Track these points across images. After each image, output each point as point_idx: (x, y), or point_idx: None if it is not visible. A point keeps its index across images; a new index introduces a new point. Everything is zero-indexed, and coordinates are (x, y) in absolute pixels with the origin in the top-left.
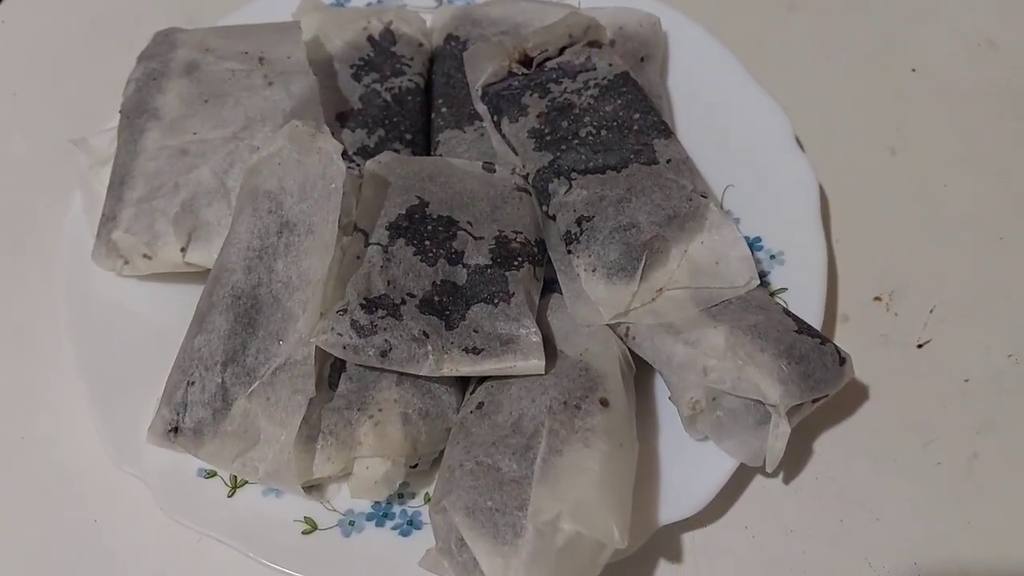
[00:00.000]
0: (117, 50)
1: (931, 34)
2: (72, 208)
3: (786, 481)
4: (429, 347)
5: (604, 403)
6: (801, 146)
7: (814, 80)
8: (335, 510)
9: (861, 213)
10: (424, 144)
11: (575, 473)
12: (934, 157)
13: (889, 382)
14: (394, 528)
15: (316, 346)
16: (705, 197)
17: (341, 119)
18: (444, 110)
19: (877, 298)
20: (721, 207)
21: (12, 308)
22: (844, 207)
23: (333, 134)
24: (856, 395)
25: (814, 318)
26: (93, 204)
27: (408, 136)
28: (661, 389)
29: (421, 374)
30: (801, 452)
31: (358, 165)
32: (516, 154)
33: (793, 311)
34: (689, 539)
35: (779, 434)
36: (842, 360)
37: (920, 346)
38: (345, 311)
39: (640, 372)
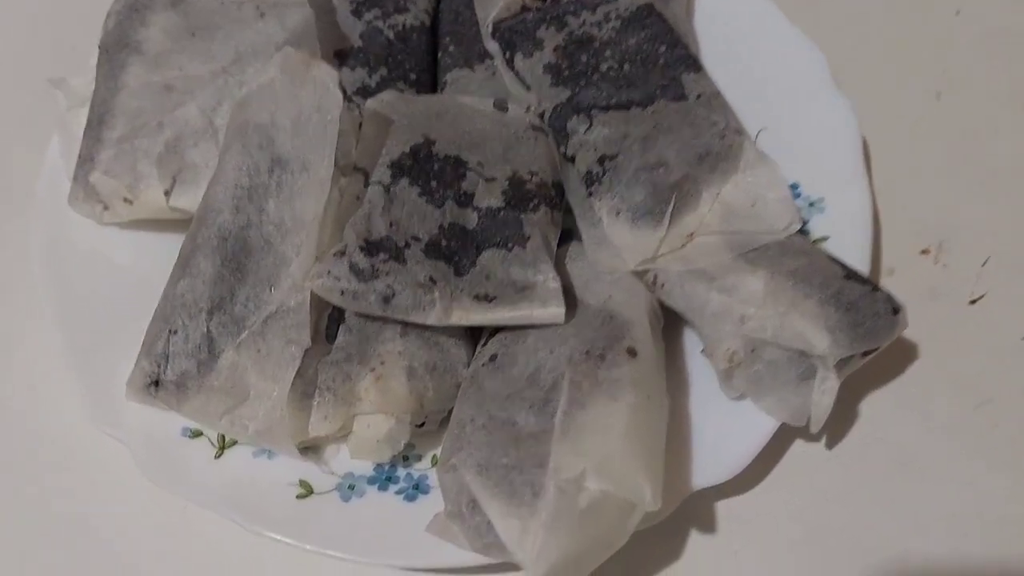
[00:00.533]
0: None
1: None
2: (49, 152)
3: (829, 444)
4: (436, 294)
5: (632, 352)
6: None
7: (851, 20)
8: (333, 473)
9: (905, 160)
10: (430, 84)
11: (601, 427)
12: (982, 100)
13: (939, 339)
14: (398, 492)
15: (311, 292)
16: (740, 134)
17: (340, 57)
18: (451, 48)
19: (924, 251)
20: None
21: None
22: (886, 154)
23: None
24: (904, 353)
25: (859, 267)
26: (71, 148)
27: (413, 76)
28: (691, 345)
29: (427, 323)
30: (845, 413)
31: (359, 106)
32: (530, 91)
33: None
34: (723, 506)
35: (826, 389)
36: (895, 309)
37: (973, 302)
38: (343, 253)
39: (667, 326)
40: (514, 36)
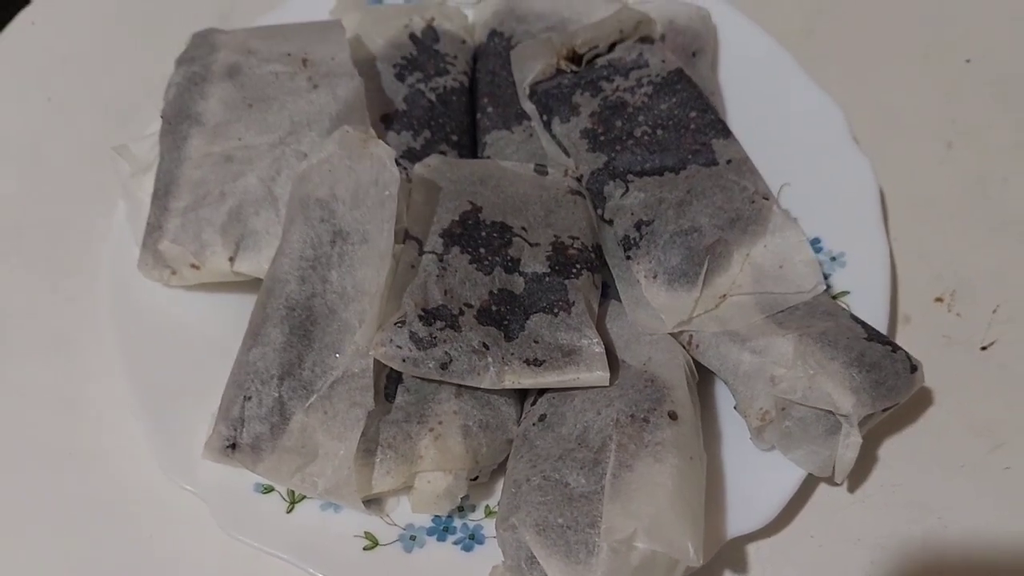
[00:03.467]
0: (150, 49)
1: (985, 23)
2: (115, 216)
3: (851, 489)
4: (489, 359)
5: (673, 416)
6: (856, 142)
7: (865, 73)
8: (395, 524)
9: (918, 209)
10: (471, 145)
11: (648, 489)
12: (992, 150)
13: (954, 385)
14: (456, 543)
15: (374, 358)
16: (767, 199)
17: (386, 121)
18: (490, 110)
19: (938, 299)
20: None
21: (56, 320)
22: (900, 203)
23: (379, 137)
24: (920, 399)
25: (879, 322)
26: (136, 212)
27: (454, 137)
28: (721, 396)
29: (482, 387)
30: (866, 459)
31: (406, 169)
32: (568, 155)
33: (856, 315)
34: (754, 549)
35: (850, 444)
36: (913, 368)
37: (984, 348)
38: (403, 322)
39: (701, 381)
40: (551, 100)
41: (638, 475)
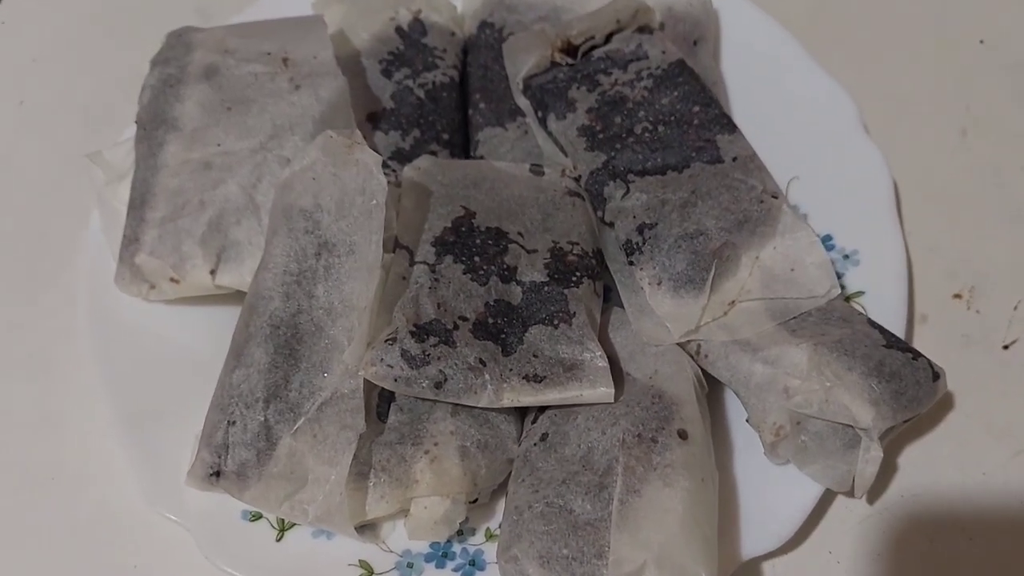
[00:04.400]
0: (125, 48)
1: (999, 1)
2: (90, 227)
3: (870, 501)
4: (487, 376)
5: (682, 435)
6: (867, 131)
7: (874, 58)
8: (391, 551)
9: (933, 202)
10: (462, 144)
11: (657, 515)
12: (1009, 137)
13: (974, 387)
14: (455, 570)
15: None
16: (776, 198)
17: (372, 120)
18: (482, 106)
19: (957, 295)
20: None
21: (33, 336)
22: (914, 195)
23: (365, 138)
24: (940, 403)
25: (895, 323)
26: (111, 222)
27: (445, 136)
28: (732, 405)
29: (479, 406)
30: (884, 468)
31: (394, 171)
32: (565, 154)
33: (872, 317)
34: (770, 567)
35: (870, 459)
36: (936, 375)
37: (1006, 347)
38: (394, 340)
39: (711, 392)
40: (546, 96)
41: (646, 500)
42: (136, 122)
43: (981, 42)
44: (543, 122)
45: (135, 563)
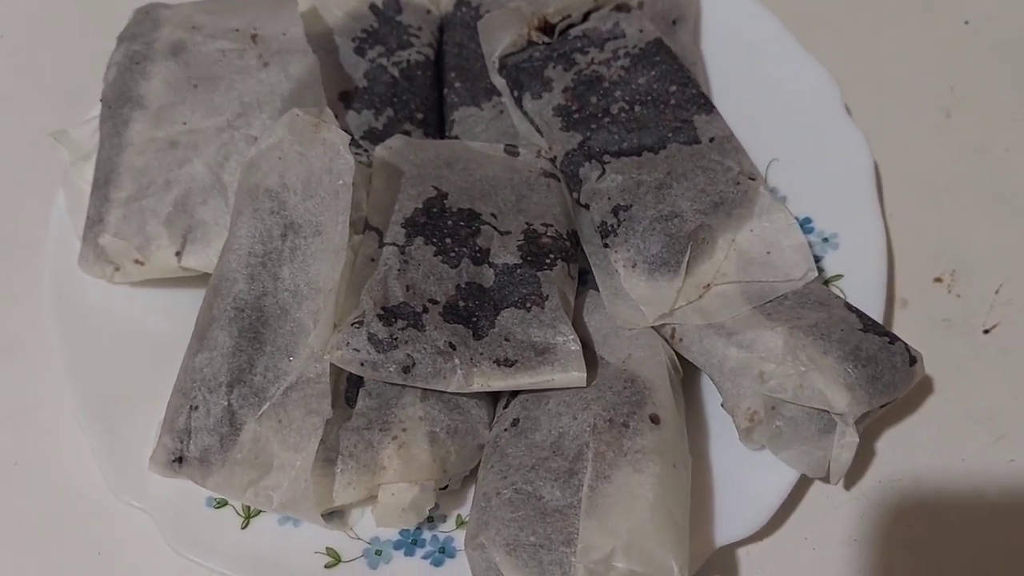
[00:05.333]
0: (95, 25)
1: None
2: (54, 208)
3: (847, 486)
4: (456, 360)
5: (654, 420)
6: (848, 113)
7: (856, 37)
8: (359, 538)
9: (915, 183)
10: (437, 123)
11: (626, 502)
12: (993, 118)
13: (954, 372)
14: (425, 557)
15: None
16: (753, 179)
17: (345, 99)
18: (457, 85)
19: (937, 279)
20: (767, 187)
21: (1, 320)
22: (896, 177)
23: (337, 117)
24: (920, 388)
25: (874, 307)
26: (77, 203)
27: (419, 116)
28: (708, 389)
29: (448, 391)
30: (862, 454)
31: (366, 151)
32: (541, 134)
33: (851, 301)
34: (744, 554)
35: (846, 444)
36: (913, 359)
37: (987, 331)
38: (361, 323)
39: (686, 376)
40: (521, 75)
41: (616, 487)
42: (101, 100)
43: (966, 23)
44: (519, 102)
45: (99, 550)
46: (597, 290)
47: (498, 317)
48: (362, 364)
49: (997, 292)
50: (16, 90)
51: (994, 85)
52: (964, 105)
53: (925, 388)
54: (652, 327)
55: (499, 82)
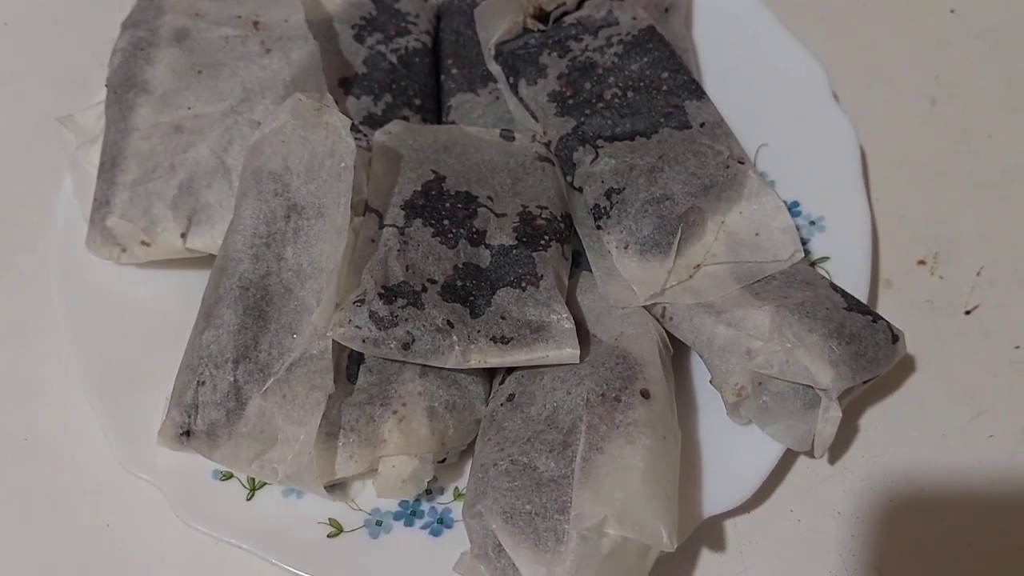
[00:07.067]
0: (98, 12)
1: None
2: (62, 191)
3: (831, 461)
4: (454, 337)
5: (645, 394)
6: (836, 99)
7: (844, 25)
8: (360, 509)
9: (900, 169)
10: (435, 109)
11: (619, 472)
12: (977, 106)
13: (936, 351)
14: (424, 527)
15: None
16: (743, 163)
17: (344, 85)
18: (454, 71)
19: (921, 261)
20: (756, 171)
21: (10, 301)
22: (882, 162)
23: (337, 103)
24: (902, 366)
25: (859, 288)
26: (84, 186)
27: (417, 101)
28: (698, 367)
29: (447, 367)
30: (845, 428)
31: (366, 136)
32: (536, 119)
33: (836, 282)
34: (731, 525)
35: (829, 418)
36: (895, 337)
37: (968, 312)
38: (363, 301)
39: (676, 354)
40: (517, 61)
41: (609, 458)
42: (107, 85)
43: (952, 11)
44: (514, 88)
45: (108, 522)
46: (590, 271)
47: (494, 296)
48: (364, 341)
49: (979, 274)
50: (20, 76)
51: (978, 73)
52: (949, 92)
53: (907, 367)
54: (643, 306)
55: (495, 69)
